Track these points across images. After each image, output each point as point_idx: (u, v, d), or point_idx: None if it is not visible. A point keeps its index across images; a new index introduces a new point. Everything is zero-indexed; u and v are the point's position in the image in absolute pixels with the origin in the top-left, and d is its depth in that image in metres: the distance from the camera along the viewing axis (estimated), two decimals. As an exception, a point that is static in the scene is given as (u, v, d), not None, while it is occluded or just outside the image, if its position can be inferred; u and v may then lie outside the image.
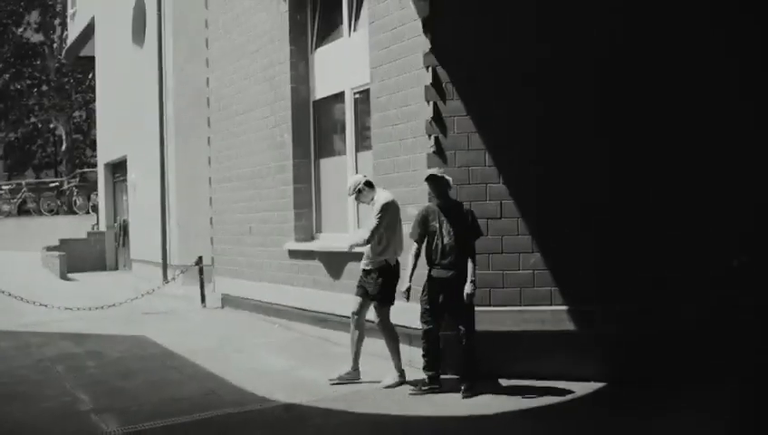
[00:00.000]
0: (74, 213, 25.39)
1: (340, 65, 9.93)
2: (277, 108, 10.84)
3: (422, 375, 7.20)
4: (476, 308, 7.45)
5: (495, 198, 7.56)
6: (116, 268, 21.41)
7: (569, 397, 6.92)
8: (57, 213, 25.77)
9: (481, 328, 7.44)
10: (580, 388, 7.11)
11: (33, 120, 38.80)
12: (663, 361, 7.28)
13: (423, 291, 7.09)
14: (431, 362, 7.11)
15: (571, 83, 7.51)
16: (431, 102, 7.71)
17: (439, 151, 7.65)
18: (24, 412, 6.88)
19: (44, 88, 37.67)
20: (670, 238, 7.39)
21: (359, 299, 7.55)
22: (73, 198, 25.42)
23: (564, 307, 7.45)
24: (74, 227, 23.27)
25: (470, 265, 6.97)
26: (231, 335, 10.59)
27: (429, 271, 7.08)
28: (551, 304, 7.49)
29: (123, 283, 17.55)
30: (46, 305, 12.50)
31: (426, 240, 7.11)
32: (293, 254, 10.35)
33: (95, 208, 23.91)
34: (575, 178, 7.45)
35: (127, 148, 19.49)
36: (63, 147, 36.85)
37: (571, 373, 7.36)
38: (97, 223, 22.89)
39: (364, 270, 7.51)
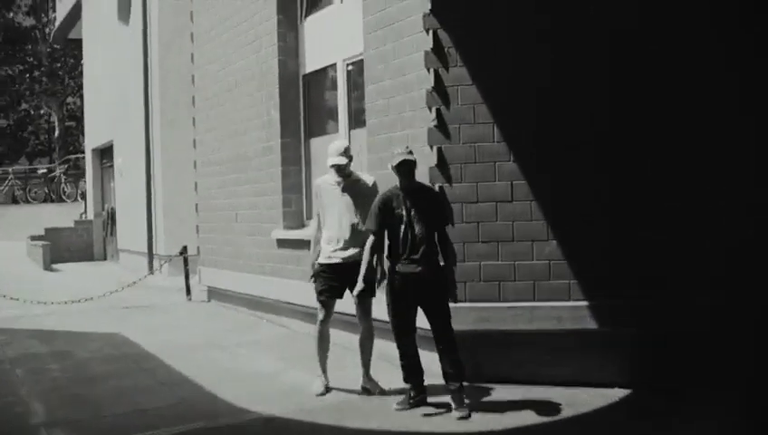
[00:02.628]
0: (63, 201, 24.49)
1: (332, 34, 8.98)
2: (264, 83, 9.91)
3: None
4: (484, 304, 6.61)
5: (506, 177, 6.63)
6: (104, 259, 20.52)
7: (587, 408, 5.98)
8: (45, 201, 24.86)
9: (489, 327, 6.59)
10: (602, 396, 6.19)
11: (24, 106, 37.93)
12: (698, 364, 6.38)
13: (388, 293, 6.04)
14: (409, 372, 6.11)
15: (593, 43, 6.58)
16: (432, 70, 6.76)
17: (441, 125, 6.72)
18: (-37, 427, 6.00)
19: (36, 73, 36.77)
20: (713, 230, 6.49)
21: (328, 302, 6.58)
22: (62, 186, 24.51)
23: (584, 302, 6.53)
24: (62, 215, 22.37)
25: (448, 254, 6.10)
26: (215, 332, 9.69)
27: (393, 266, 5.98)
28: (568, 299, 6.58)
29: (109, 274, 16.67)
30: (18, 299, 11.60)
31: (387, 231, 6.04)
32: (282, 243, 9.43)
33: (84, 196, 23.00)
34: (600, 155, 6.52)
35: (113, 132, 18.57)
36: (56, 134, 35.94)
37: (591, 378, 6.47)
38: (85, 211, 21.98)
39: (354, 262, 6.53)
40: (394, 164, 5.92)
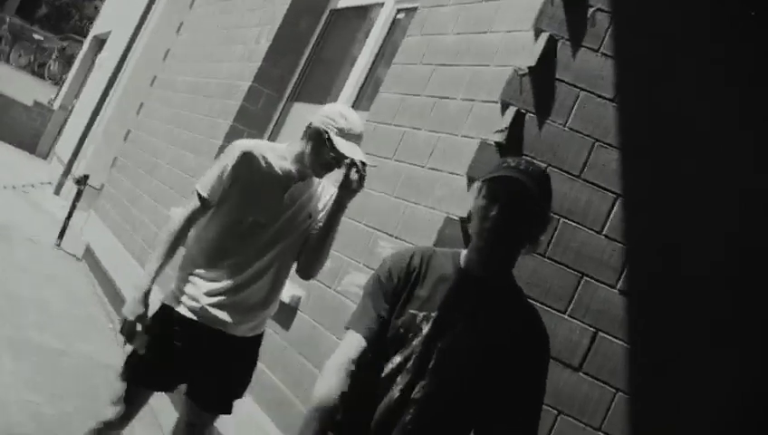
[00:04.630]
0: (44, 78, 20.95)
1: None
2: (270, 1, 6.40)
3: None
4: None
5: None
6: (45, 158, 16.91)
7: None
8: (24, 68, 21.31)
9: None
10: None
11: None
12: None
13: None
14: None
15: None
16: (543, 36, 3.19)
17: (513, 145, 3.10)
18: None
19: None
20: None
21: (140, 391, 3.20)
22: (49, 62, 20.96)
23: None
24: (29, 90, 18.83)
25: None
26: (23, 315, 6.03)
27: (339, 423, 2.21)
28: None
29: (20, 172, 13.01)
30: None
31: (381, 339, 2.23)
32: (179, 230, 5.82)
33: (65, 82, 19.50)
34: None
35: (114, 21, 15.13)
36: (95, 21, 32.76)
37: None
38: (55, 97, 18.45)
39: (253, 337, 3.25)
40: (478, 182, 2.18)
